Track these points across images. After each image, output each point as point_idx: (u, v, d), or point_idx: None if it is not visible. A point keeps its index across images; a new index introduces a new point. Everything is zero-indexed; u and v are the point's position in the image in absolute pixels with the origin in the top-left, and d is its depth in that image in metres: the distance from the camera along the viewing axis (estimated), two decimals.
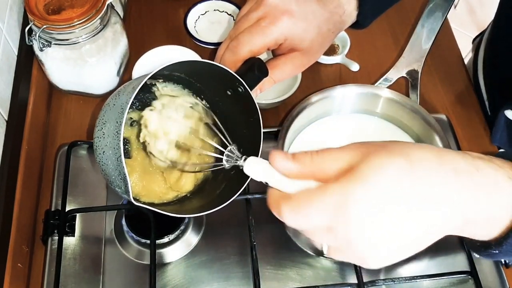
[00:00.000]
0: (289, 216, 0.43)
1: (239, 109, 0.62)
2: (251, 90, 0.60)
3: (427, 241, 0.44)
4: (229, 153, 0.54)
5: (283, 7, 0.62)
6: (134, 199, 0.54)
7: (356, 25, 0.70)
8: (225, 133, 0.60)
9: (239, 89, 0.60)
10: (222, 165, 0.55)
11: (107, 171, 0.55)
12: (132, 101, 0.65)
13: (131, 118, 0.66)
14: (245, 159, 0.51)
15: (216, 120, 0.62)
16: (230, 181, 0.62)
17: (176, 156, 0.63)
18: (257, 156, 0.58)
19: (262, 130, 0.60)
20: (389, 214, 0.41)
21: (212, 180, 0.64)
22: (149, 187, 0.63)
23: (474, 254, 0.47)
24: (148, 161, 0.64)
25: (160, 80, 0.65)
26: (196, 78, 0.63)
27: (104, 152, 0.55)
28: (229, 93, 0.62)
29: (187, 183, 0.64)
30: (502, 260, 0.68)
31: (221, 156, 0.55)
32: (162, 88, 0.65)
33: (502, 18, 0.83)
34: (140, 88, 0.64)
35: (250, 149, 0.60)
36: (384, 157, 0.42)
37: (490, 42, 0.87)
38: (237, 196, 0.58)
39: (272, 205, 0.45)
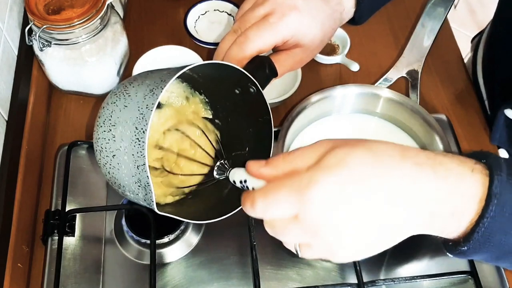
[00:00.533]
0: (260, 203, 0.45)
1: (246, 108, 0.61)
2: (262, 89, 0.58)
3: (394, 235, 0.45)
4: (219, 166, 0.55)
5: (291, 3, 0.61)
6: (157, 205, 0.52)
7: (352, 22, 0.71)
8: (221, 147, 0.59)
9: (250, 89, 0.58)
10: (213, 175, 0.56)
11: (117, 175, 0.53)
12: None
13: None
14: (230, 171, 0.53)
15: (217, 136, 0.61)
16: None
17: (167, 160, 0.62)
18: (268, 155, 0.57)
19: (273, 130, 0.59)
20: (354, 203, 0.43)
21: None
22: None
23: (448, 254, 0.47)
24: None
25: None
26: (201, 74, 0.62)
27: (115, 156, 0.52)
28: (237, 91, 0.60)
29: (191, 181, 0.63)
30: None
31: (214, 175, 0.56)
32: None
33: (501, 17, 0.83)
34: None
35: (256, 149, 0.59)
36: (348, 149, 0.44)
37: (489, 42, 0.87)
38: None
39: (246, 199, 0.46)
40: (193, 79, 0.63)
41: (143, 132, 0.49)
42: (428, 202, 0.43)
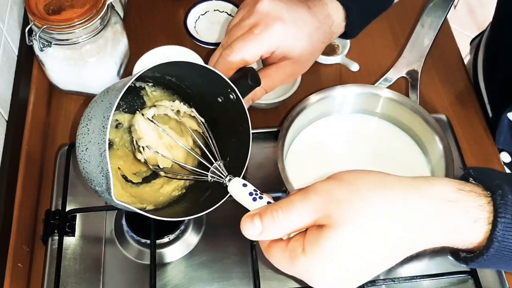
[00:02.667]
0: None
1: (228, 117, 0.61)
2: (242, 98, 0.59)
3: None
4: (214, 170, 0.55)
5: (275, 15, 0.62)
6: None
7: (344, 36, 0.71)
8: (215, 146, 0.59)
9: (230, 96, 0.59)
10: (205, 178, 0.56)
11: (88, 169, 0.53)
12: (119, 103, 0.64)
13: (117, 120, 0.64)
14: (229, 179, 0.53)
15: (208, 132, 0.61)
16: (214, 188, 0.60)
17: (162, 163, 0.62)
18: (242, 168, 0.58)
19: (251, 140, 0.59)
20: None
21: (196, 187, 0.63)
22: (132, 194, 0.61)
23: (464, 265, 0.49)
24: (131, 168, 0.64)
25: (150, 84, 0.64)
26: (187, 83, 0.62)
27: (87, 148, 0.53)
28: (220, 100, 0.61)
29: (169, 191, 0.63)
30: None
31: (205, 173, 0.56)
32: (151, 93, 0.64)
33: (501, 19, 0.83)
34: (129, 91, 0.64)
35: (236, 158, 0.60)
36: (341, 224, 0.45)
37: (489, 43, 0.87)
38: (219, 204, 0.57)
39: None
40: (181, 90, 0.64)
41: (107, 118, 0.50)
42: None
